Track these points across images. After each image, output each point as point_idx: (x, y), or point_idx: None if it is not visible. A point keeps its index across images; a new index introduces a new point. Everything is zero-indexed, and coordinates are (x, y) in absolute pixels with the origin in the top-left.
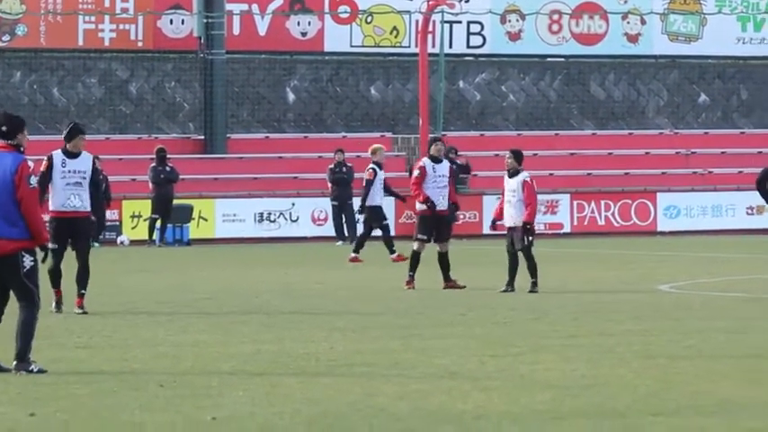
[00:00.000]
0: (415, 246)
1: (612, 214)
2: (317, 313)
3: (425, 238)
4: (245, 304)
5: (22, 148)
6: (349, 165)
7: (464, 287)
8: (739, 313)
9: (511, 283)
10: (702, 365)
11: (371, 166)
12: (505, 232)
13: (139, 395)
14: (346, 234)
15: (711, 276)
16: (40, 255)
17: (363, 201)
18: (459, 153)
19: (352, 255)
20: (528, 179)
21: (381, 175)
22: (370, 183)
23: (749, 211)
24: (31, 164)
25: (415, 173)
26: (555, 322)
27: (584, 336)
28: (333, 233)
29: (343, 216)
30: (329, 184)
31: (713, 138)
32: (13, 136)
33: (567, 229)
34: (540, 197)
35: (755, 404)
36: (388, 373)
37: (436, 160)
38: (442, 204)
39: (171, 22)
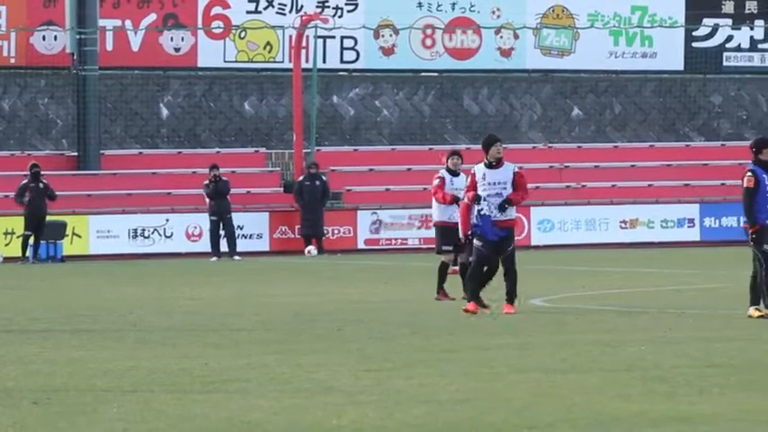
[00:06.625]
0: (444, 258)
1: None
2: (191, 329)
3: (450, 248)
4: (119, 321)
5: None
6: (225, 179)
7: (453, 299)
8: (612, 327)
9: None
10: (576, 379)
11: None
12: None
13: (13, 413)
14: (227, 249)
15: (585, 290)
16: None
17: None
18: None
19: None
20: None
21: None
22: None
23: (622, 225)
24: None
25: (435, 182)
26: (430, 337)
27: (459, 350)
28: (207, 249)
29: (223, 231)
30: (206, 200)
31: (586, 152)
32: None
33: None
34: (414, 212)
35: (628, 417)
36: (263, 388)
37: (454, 173)
38: (457, 217)
39: (44, 38)
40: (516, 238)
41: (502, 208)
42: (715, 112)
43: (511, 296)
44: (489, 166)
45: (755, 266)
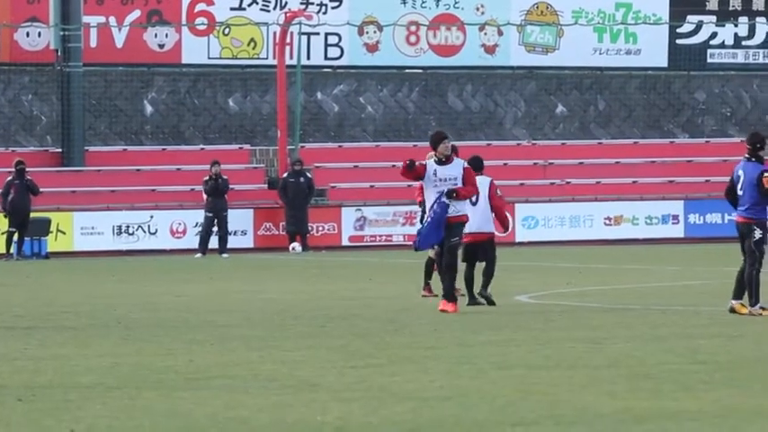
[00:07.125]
0: (432, 253)
1: None
2: (175, 326)
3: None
4: (103, 317)
5: None
6: (225, 177)
7: (436, 296)
8: (596, 323)
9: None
10: (560, 375)
11: None
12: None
13: None
14: (217, 246)
15: (569, 287)
16: None
17: None
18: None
19: None
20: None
21: None
22: None
23: (606, 222)
24: None
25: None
26: (415, 333)
27: (443, 347)
28: (191, 245)
29: (217, 228)
30: (204, 196)
31: (571, 148)
32: None
33: None
34: (398, 209)
35: (612, 413)
36: (248, 385)
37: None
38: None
39: (27, 34)
40: (500, 234)
41: (450, 195)
42: (699, 108)
43: (447, 294)
44: (440, 162)
45: (746, 262)
